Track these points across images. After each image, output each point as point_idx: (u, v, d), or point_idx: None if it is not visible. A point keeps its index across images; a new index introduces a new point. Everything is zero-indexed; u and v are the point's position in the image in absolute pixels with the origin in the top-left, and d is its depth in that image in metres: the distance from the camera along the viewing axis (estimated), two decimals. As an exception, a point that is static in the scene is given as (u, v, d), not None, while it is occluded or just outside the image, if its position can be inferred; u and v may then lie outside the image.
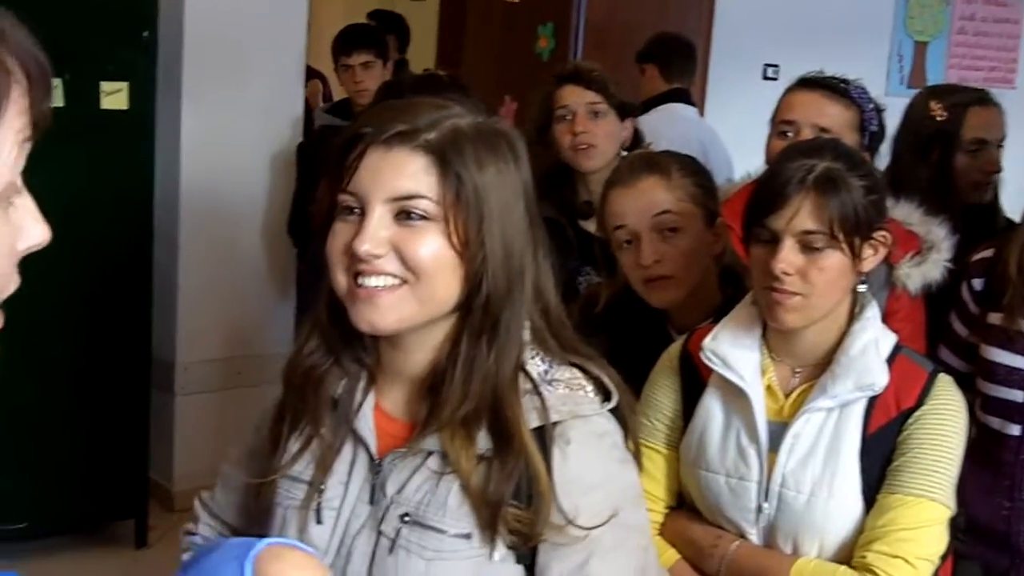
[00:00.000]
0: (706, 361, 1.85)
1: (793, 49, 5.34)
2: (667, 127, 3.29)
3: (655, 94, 4.08)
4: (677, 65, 4.34)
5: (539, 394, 1.33)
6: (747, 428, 1.82)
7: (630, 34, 4.43)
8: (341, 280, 1.32)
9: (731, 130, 4.42)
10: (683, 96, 4.36)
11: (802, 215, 1.73)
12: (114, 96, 3.71)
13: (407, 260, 1.29)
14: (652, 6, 5.07)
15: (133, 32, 3.76)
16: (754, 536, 1.82)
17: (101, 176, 3.63)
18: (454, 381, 1.32)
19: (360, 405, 1.40)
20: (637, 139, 2.90)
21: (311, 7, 4.51)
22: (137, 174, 3.84)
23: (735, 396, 1.84)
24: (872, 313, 1.82)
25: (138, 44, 3.77)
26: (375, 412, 1.41)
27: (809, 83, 2.57)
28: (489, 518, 1.29)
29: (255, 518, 1.51)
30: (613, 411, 1.38)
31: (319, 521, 1.39)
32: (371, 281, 1.29)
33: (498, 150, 1.33)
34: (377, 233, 1.28)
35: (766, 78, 5.70)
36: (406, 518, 1.33)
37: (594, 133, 2.83)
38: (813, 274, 1.74)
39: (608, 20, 4.83)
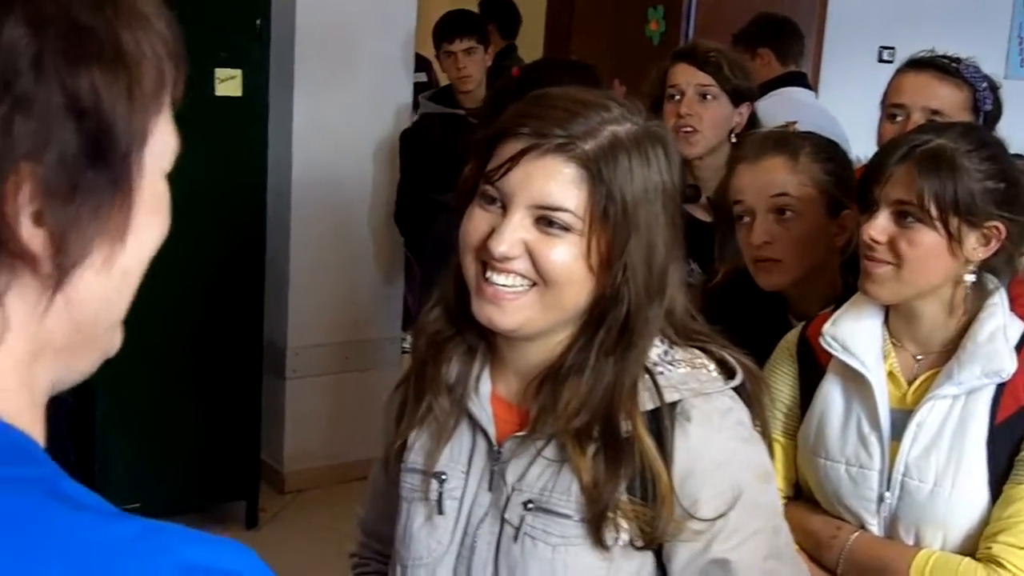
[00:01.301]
0: (826, 346, 1.81)
1: (909, 31, 5.19)
2: (783, 112, 3.20)
3: (770, 78, 3.99)
4: (792, 48, 4.24)
5: (652, 376, 1.31)
6: (868, 415, 1.78)
7: (743, 17, 4.34)
8: (470, 268, 1.32)
9: (845, 114, 4.31)
10: (800, 79, 4.26)
11: (895, 184, 1.70)
12: (228, 83, 3.76)
13: (539, 265, 1.28)
14: (765, -12, 4.99)
15: (247, 20, 3.81)
16: (875, 527, 1.78)
17: (216, 162, 3.69)
18: (577, 390, 1.30)
19: (477, 391, 1.40)
20: (752, 125, 2.78)
21: (423, -6, 4.53)
22: (250, 160, 3.89)
23: (856, 382, 1.80)
24: (999, 299, 1.76)
25: (251, 32, 3.82)
26: (491, 397, 1.40)
27: (919, 64, 2.52)
28: (598, 514, 1.28)
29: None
30: (739, 390, 1.36)
31: (441, 511, 1.39)
32: (499, 279, 1.29)
33: (651, 158, 1.31)
34: (514, 235, 1.27)
35: (881, 61, 5.57)
36: (529, 505, 1.32)
37: (699, 117, 2.73)
38: (903, 247, 1.70)
39: (720, 2, 4.76)
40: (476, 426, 1.39)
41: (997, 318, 1.74)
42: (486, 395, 1.39)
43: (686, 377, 1.32)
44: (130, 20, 0.70)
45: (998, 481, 1.70)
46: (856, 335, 1.81)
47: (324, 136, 4.28)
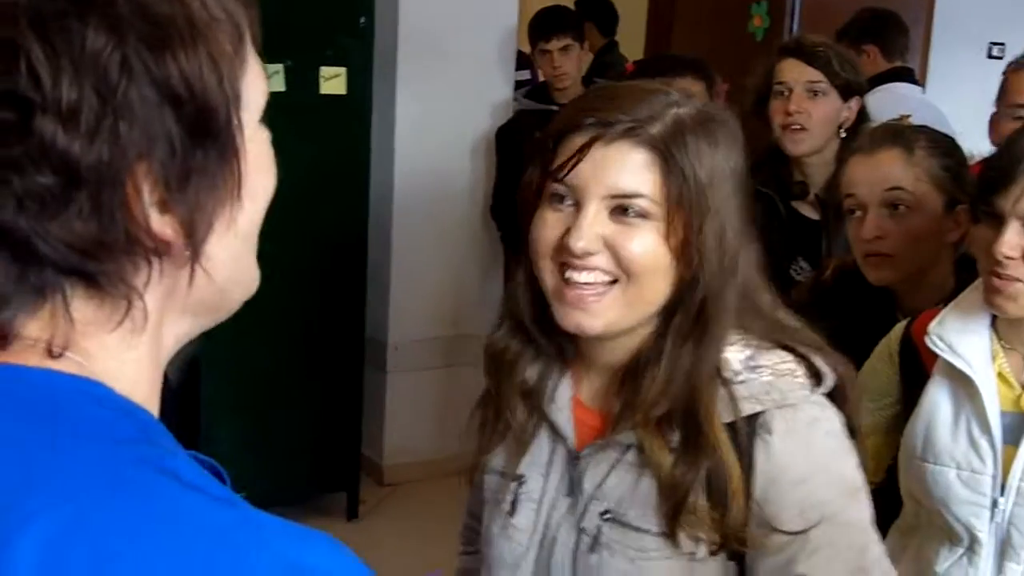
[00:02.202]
0: (931, 347, 1.76)
1: (1019, 26, 5.07)
2: (890, 107, 3.15)
3: (876, 74, 3.92)
4: (898, 43, 4.16)
5: (729, 387, 1.26)
6: (978, 419, 1.72)
7: (848, 11, 4.26)
8: (548, 274, 1.28)
9: (954, 110, 4.21)
10: (907, 75, 4.18)
11: None
12: (333, 81, 3.82)
13: (621, 259, 1.25)
14: (870, -17, 4.91)
15: (351, 19, 3.86)
16: (984, 534, 1.72)
17: (320, 159, 3.74)
18: (654, 380, 1.27)
19: (557, 395, 1.38)
20: (861, 120, 2.73)
21: (521, -7, 4.54)
22: (354, 158, 3.95)
23: (964, 385, 1.74)
24: None
25: (355, 31, 3.87)
26: (572, 402, 1.38)
27: None
28: (673, 510, 1.25)
29: None
30: (831, 395, 1.30)
31: (514, 513, 1.38)
32: (581, 277, 1.25)
33: (719, 139, 1.27)
34: (592, 229, 1.24)
35: (991, 56, 5.45)
36: (606, 515, 1.30)
37: (808, 114, 2.68)
38: None
39: (824, -2, 4.70)
40: (556, 431, 1.37)
41: None
42: (566, 400, 1.37)
43: (768, 387, 1.27)
44: None
45: None
46: (963, 335, 1.76)
47: (426, 133, 4.32)
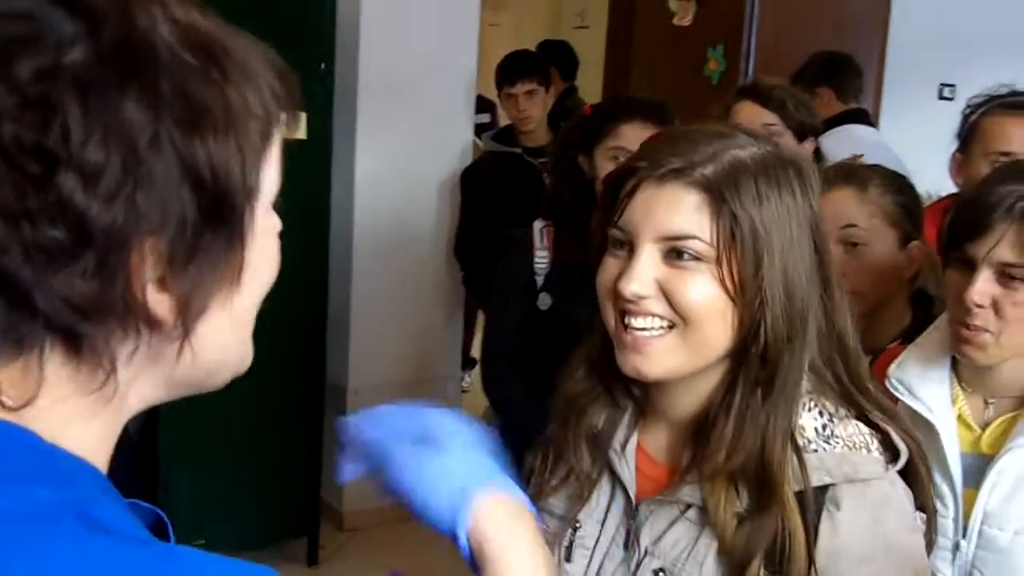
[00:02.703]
0: (892, 390, 1.76)
1: (970, 68, 5.15)
2: (845, 148, 3.19)
3: (830, 116, 3.97)
4: (852, 85, 4.22)
5: (800, 456, 1.23)
6: (938, 462, 1.71)
7: (802, 55, 4.33)
8: (609, 318, 1.28)
9: (906, 150, 4.28)
10: (862, 116, 4.24)
11: (1003, 245, 1.60)
12: (293, 126, 3.81)
13: (675, 303, 1.22)
14: (826, 26, 4.97)
15: (311, 64, 3.86)
16: None
17: (281, 203, 3.72)
18: (724, 432, 1.23)
19: (624, 444, 1.35)
20: (816, 161, 2.78)
21: (481, 38, 4.57)
22: (315, 202, 3.94)
23: (924, 428, 1.72)
24: None
25: (316, 75, 3.87)
26: (637, 452, 1.36)
27: (1017, 107, 2.44)
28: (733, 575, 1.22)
29: None
30: (904, 472, 1.27)
31: (569, 559, 1.35)
32: (638, 323, 1.23)
33: (783, 181, 1.24)
34: (644, 273, 1.22)
35: (942, 98, 5.53)
36: (661, 574, 1.27)
37: None
38: (1008, 308, 1.62)
39: (780, 41, 4.75)
40: (617, 480, 1.35)
41: None
42: (631, 450, 1.35)
43: (841, 459, 1.23)
44: (238, 79, 0.72)
45: None
46: (923, 379, 1.77)
47: (386, 177, 4.32)
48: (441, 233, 4.49)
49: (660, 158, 1.23)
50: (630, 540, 1.31)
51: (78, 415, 0.72)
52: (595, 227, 1.31)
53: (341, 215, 4.18)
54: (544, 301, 2.68)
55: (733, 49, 4.51)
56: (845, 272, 2.04)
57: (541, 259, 2.70)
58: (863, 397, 1.29)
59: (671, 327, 1.23)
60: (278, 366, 3.95)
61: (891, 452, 1.26)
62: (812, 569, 1.20)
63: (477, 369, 5.77)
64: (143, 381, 0.75)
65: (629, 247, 1.25)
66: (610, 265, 1.27)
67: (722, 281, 1.21)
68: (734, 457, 1.22)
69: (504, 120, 5.73)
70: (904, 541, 1.25)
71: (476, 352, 5.67)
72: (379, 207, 4.32)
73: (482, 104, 5.08)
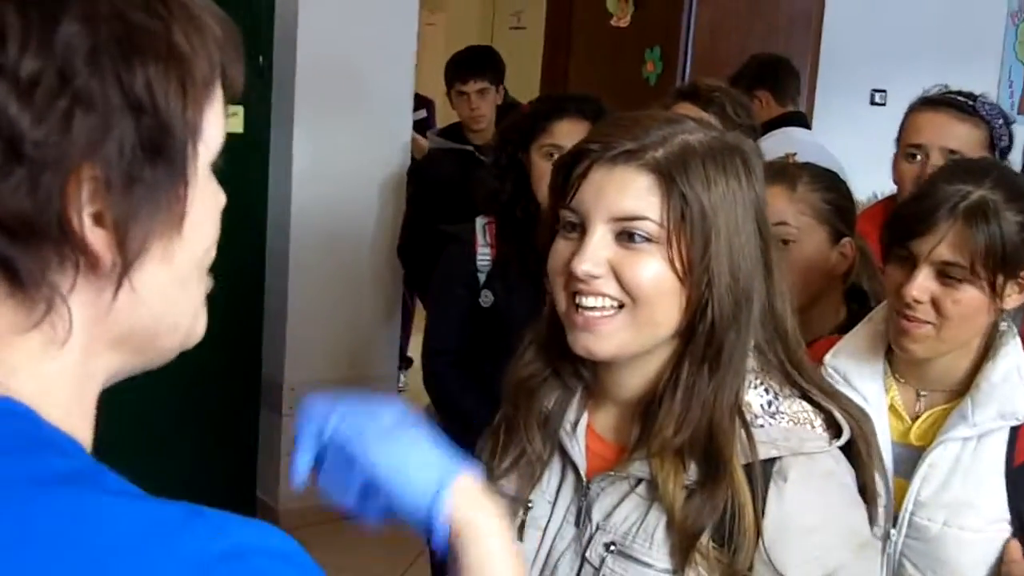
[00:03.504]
0: (827, 378, 1.78)
1: (901, 74, 5.26)
2: (783, 151, 3.23)
3: (769, 119, 4.02)
4: (790, 88, 4.27)
5: (748, 430, 1.25)
6: None
7: (738, 57, 4.38)
8: (560, 299, 1.29)
9: (839, 153, 4.35)
10: (799, 119, 4.29)
11: (944, 245, 1.64)
12: (231, 119, 3.77)
13: (626, 283, 1.25)
14: (759, 30, 5.03)
15: (249, 58, 3.80)
16: (878, 564, 1.76)
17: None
18: (671, 408, 1.26)
19: (574, 424, 1.37)
20: None
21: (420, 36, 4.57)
22: (251, 196, 3.92)
23: None
24: (1014, 340, 1.74)
25: (254, 69, 3.85)
26: (587, 432, 1.38)
27: (935, 103, 2.50)
28: (684, 549, 1.24)
29: None
30: (846, 449, 1.30)
31: (521, 539, 1.36)
32: (588, 302, 1.26)
33: (729, 166, 1.26)
34: (596, 253, 1.24)
35: (873, 103, 5.63)
36: (611, 547, 1.29)
37: None
38: (947, 306, 1.66)
39: (716, 44, 4.80)
40: (567, 459, 1.37)
41: (1011, 357, 1.72)
42: (581, 429, 1.37)
43: (787, 433, 1.26)
44: (181, 18, 0.72)
45: (1022, 524, 1.68)
46: (858, 368, 1.80)
47: (324, 172, 4.30)
48: (380, 230, 4.47)
49: (612, 141, 1.26)
50: (581, 517, 1.33)
51: (32, 358, 0.71)
52: (546, 210, 1.33)
53: (278, 210, 4.16)
54: (486, 298, 2.68)
55: (670, 51, 4.55)
56: (776, 269, 2.10)
57: (483, 255, 2.70)
58: (803, 378, 1.32)
59: (620, 307, 1.26)
60: (214, 361, 3.91)
61: (834, 430, 1.29)
62: (760, 541, 1.23)
63: (413, 368, 5.79)
64: (96, 340, 0.74)
65: (581, 228, 1.27)
66: (562, 247, 1.29)
67: (671, 262, 1.24)
68: (681, 432, 1.25)
69: (446, 118, 5.74)
70: (848, 514, 1.28)
71: (412, 352, 5.67)
72: (317, 202, 4.29)
73: (419, 101, 5.07)
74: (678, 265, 1.24)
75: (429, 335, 2.82)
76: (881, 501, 1.71)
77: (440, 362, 2.76)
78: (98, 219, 0.70)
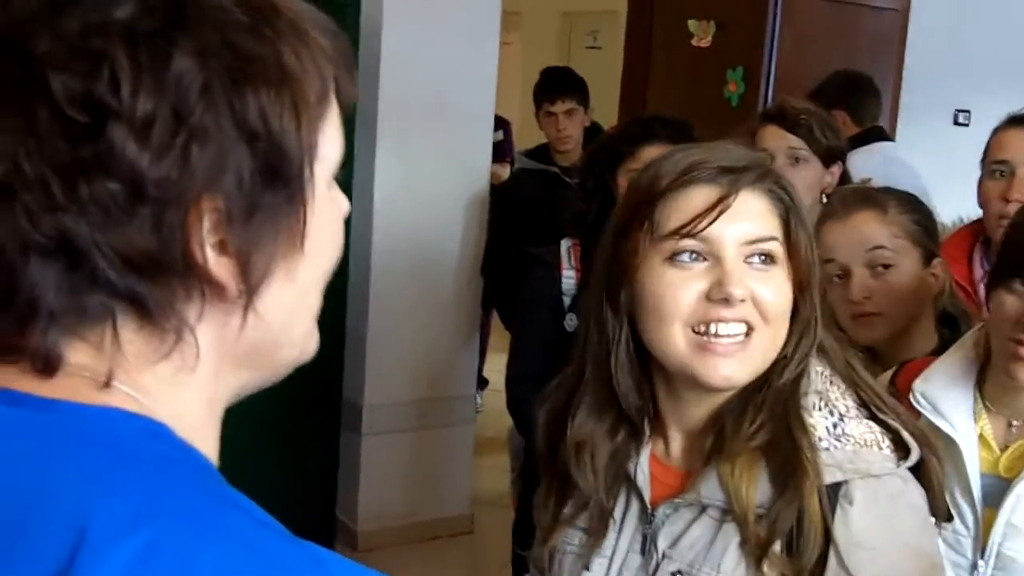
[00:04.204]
0: (915, 404, 1.75)
1: (986, 95, 5.17)
2: (874, 166, 3.20)
3: (847, 137, 3.94)
4: (869, 108, 4.17)
5: (815, 453, 1.24)
6: (959, 480, 1.72)
7: (822, 78, 4.33)
8: (677, 332, 1.26)
9: (921, 175, 4.29)
10: (882, 134, 4.21)
11: None
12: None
13: (763, 305, 1.25)
14: (842, 50, 4.98)
15: (332, 81, 3.86)
16: None
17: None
18: (756, 411, 1.26)
19: (637, 453, 1.37)
20: (844, 184, 2.76)
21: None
22: (333, 219, 3.93)
23: (945, 444, 1.72)
24: None
25: (336, 93, 3.87)
26: (650, 459, 1.37)
27: (1021, 121, 2.50)
28: (756, 559, 1.23)
29: None
30: (915, 470, 1.28)
31: (587, 567, 1.37)
32: (728, 329, 1.25)
33: (793, 190, 1.32)
34: (743, 277, 1.25)
35: (957, 124, 5.54)
36: (678, 575, 1.29)
37: (790, 181, 2.71)
38: None
39: (798, 64, 4.75)
40: (632, 487, 1.37)
41: None
42: (645, 457, 1.37)
43: (853, 456, 1.25)
44: (290, 37, 0.72)
45: None
46: (947, 395, 1.76)
47: (407, 195, 4.31)
48: (463, 252, 4.48)
49: (725, 166, 1.27)
50: (647, 545, 1.33)
51: (165, 383, 0.72)
52: (636, 243, 1.29)
53: (360, 233, 4.18)
54: (571, 321, 2.66)
55: (753, 71, 4.51)
56: (873, 294, 2.06)
57: (568, 279, 2.69)
58: (868, 399, 1.31)
59: (750, 331, 1.26)
60: (294, 382, 3.92)
61: (902, 451, 1.28)
62: (828, 563, 1.22)
63: (489, 389, 5.78)
64: (223, 361, 0.75)
65: (705, 258, 1.26)
66: (679, 277, 1.26)
67: (791, 281, 1.27)
68: (762, 432, 1.26)
69: (522, 139, 5.74)
70: (917, 536, 1.27)
71: (487, 372, 5.67)
72: (400, 225, 4.31)
73: (496, 122, 5.08)
74: (794, 285, 1.27)
75: (513, 359, 2.81)
76: (967, 532, 1.69)
77: (524, 387, 2.74)
78: (221, 248, 0.70)
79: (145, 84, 0.66)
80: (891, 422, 1.29)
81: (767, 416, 1.26)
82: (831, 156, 2.75)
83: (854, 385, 1.32)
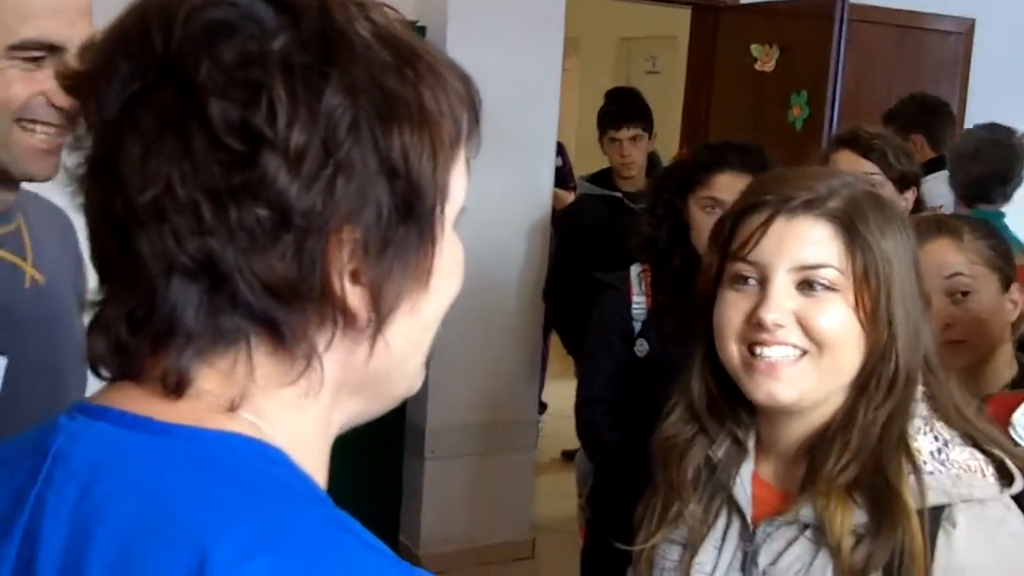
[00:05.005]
0: (1015, 436, 1.72)
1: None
2: (947, 191, 3.17)
3: (922, 162, 3.90)
4: (946, 133, 4.13)
5: (919, 475, 1.26)
6: None
7: (885, 102, 4.30)
8: (733, 353, 1.31)
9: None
10: (951, 162, 4.16)
11: None
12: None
13: (811, 331, 1.27)
14: (905, 74, 4.95)
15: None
16: None
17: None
18: (841, 449, 1.28)
19: (739, 472, 1.39)
20: (918, 210, 2.74)
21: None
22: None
23: None
24: None
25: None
26: (752, 478, 1.39)
27: None
28: None
29: None
30: (1019, 500, 1.29)
31: None
32: (771, 352, 1.28)
33: (892, 216, 1.32)
34: (782, 303, 1.27)
35: (1023, 148, 5.47)
36: None
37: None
38: None
39: (861, 87, 4.73)
40: (733, 505, 1.38)
41: None
42: (747, 475, 1.38)
43: (956, 480, 1.26)
44: (429, 80, 0.74)
45: None
46: None
47: (469, 220, 4.28)
48: (525, 277, 4.48)
49: (786, 192, 1.29)
50: (747, 563, 1.34)
51: (287, 408, 0.74)
52: (710, 263, 1.35)
53: (424, 257, 4.20)
54: (641, 347, 2.66)
55: (817, 95, 4.48)
56: (954, 322, 2.04)
57: (638, 304, 2.68)
58: (973, 427, 1.32)
59: (803, 354, 1.28)
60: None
61: (1007, 479, 1.28)
62: None
63: (548, 413, 5.78)
64: (342, 387, 0.76)
65: (758, 280, 1.29)
66: (733, 300, 1.31)
67: (855, 308, 1.27)
68: (848, 470, 1.26)
69: (579, 163, 5.75)
70: (1021, 562, 1.27)
71: (546, 396, 5.67)
72: (463, 248, 4.32)
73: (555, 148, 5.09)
74: (861, 312, 1.27)
75: (583, 384, 2.80)
76: None
77: (594, 412, 2.74)
78: (354, 278, 0.72)
79: (300, 116, 0.68)
80: (995, 451, 1.30)
81: (852, 456, 1.27)
82: (905, 182, 2.74)
83: (957, 421, 1.32)
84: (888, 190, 2.71)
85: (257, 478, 0.70)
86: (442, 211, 0.76)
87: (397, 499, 4.11)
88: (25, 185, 1.47)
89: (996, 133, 3.50)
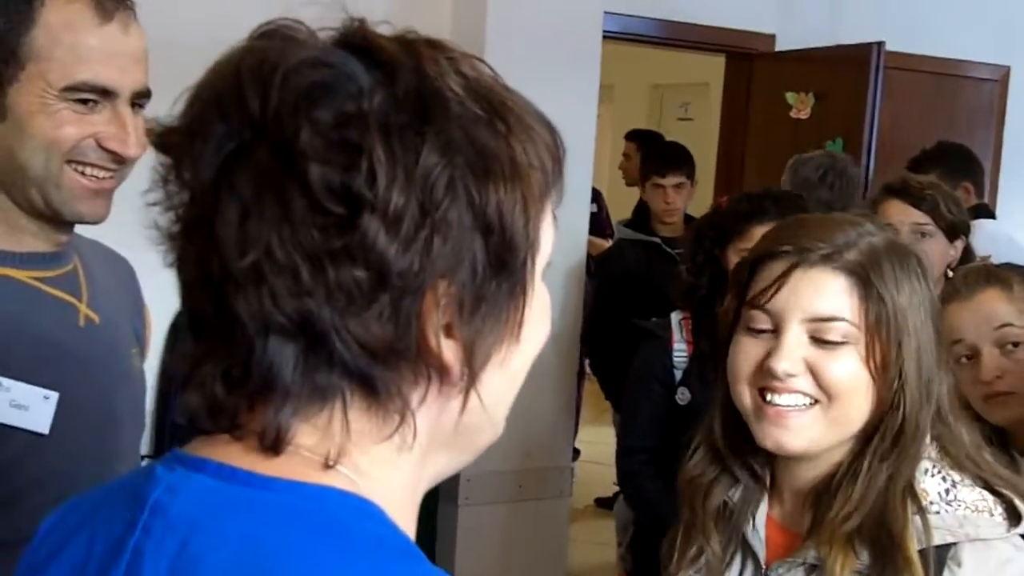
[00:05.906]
0: None
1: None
2: (979, 242, 3.15)
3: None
4: (983, 181, 4.13)
5: (924, 516, 1.28)
6: None
7: (920, 145, 4.29)
8: (745, 397, 1.33)
9: (1024, 247, 4.21)
10: (987, 211, 4.15)
11: None
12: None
13: (822, 381, 1.29)
14: (941, 120, 4.95)
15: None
16: None
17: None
18: (847, 497, 1.29)
19: (753, 514, 1.40)
20: (966, 259, 2.73)
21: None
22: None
23: None
24: None
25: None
26: (766, 521, 1.41)
27: None
28: None
29: None
30: None
31: None
32: (781, 400, 1.30)
33: (909, 267, 1.33)
34: (793, 352, 1.29)
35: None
36: None
37: None
38: None
39: (896, 135, 4.73)
40: (747, 547, 1.40)
41: None
42: (761, 518, 1.40)
43: (963, 520, 1.29)
44: (520, 133, 0.74)
45: None
46: None
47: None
48: (560, 323, 4.46)
49: (804, 243, 1.31)
50: None
51: (381, 464, 0.74)
52: (729, 307, 1.38)
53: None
54: (683, 395, 2.65)
55: (852, 142, 4.48)
56: (1004, 373, 2.03)
57: (680, 352, 2.68)
58: (979, 467, 1.34)
59: (814, 403, 1.30)
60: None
61: (1015, 519, 1.30)
62: None
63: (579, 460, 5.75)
64: (433, 441, 0.77)
65: (773, 328, 1.31)
66: (748, 345, 1.34)
67: (866, 360, 1.29)
68: (851, 519, 1.28)
69: (612, 207, 5.76)
70: None
71: (579, 443, 5.64)
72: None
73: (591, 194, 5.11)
74: (872, 364, 1.29)
75: (624, 432, 2.80)
76: None
77: (635, 460, 2.73)
78: (447, 333, 0.72)
79: (398, 178, 0.68)
80: (1005, 491, 1.31)
81: (854, 507, 1.29)
82: (955, 231, 2.72)
83: (972, 466, 1.34)
84: (939, 239, 2.70)
85: (354, 533, 0.70)
86: (533, 264, 0.76)
87: (431, 546, 4.08)
88: (93, 234, 1.49)
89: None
